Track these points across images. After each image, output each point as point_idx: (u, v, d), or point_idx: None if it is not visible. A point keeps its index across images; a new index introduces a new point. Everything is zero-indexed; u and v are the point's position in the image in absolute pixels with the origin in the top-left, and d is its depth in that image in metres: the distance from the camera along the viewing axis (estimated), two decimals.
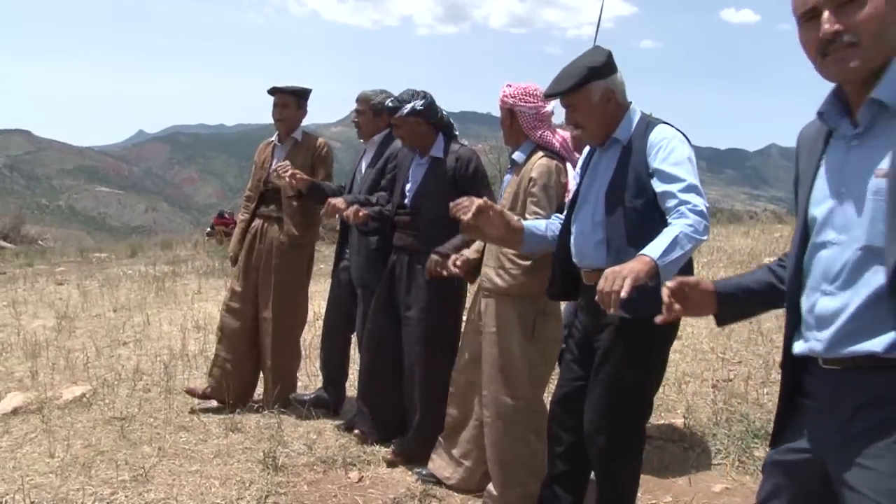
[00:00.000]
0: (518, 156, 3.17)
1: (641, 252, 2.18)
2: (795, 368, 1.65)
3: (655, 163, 2.43)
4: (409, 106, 3.71)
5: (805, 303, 1.60)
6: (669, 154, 2.42)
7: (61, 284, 9.41)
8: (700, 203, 2.31)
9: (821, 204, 1.58)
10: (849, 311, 1.50)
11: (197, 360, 5.58)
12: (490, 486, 3.26)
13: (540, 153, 3.09)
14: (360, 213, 3.83)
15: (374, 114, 4.29)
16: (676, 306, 1.80)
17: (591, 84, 2.54)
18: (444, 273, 3.39)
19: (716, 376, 4.87)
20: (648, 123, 2.56)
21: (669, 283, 1.82)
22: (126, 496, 3.42)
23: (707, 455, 3.83)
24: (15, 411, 4.46)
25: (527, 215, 2.99)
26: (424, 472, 3.59)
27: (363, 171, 4.35)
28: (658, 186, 2.42)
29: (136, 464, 3.73)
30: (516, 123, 3.15)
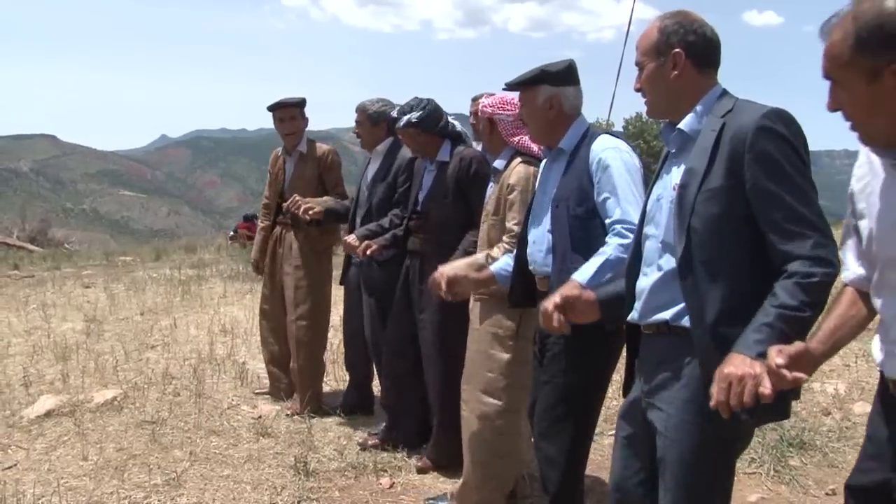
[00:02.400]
0: (499, 163, 3.21)
1: (573, 276, 2.34)
2: (633, 335, 2.10)
3: (595, 176, 2.53)
4: (404, 118, 3.74)
5: (637, 279, 2.06)
6: (606, 168, 2.51)
7: (88, 287, 9.49)
8: (627, 215, 2.41)
9: (650, 204, 2.06)
10: (651, 288, 1.97)
11: (225, 363, 5.60)
12: (463, 482, 3.25)
13: (518, 159, 3.13)
14: (373, 249, 3.89)
15: (371, 123, 4.29)
16: (560, 317, 2.13)
17: (540, 86, 2.65)
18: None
19: None
20: (592, 134, 2.63)
21: (556, 299, 2.15)
22: (159, 500, 3.45)
23: (741, 464, 3.78)
24: (48, 414, 4.50)
25: (507, 223, 3.05)
26: None
27: (368, 180, 4.36)
28: (599, 201, 2.51)
29: (167, 468, 3.76)
30: (496, 131, 3.21)
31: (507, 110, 3.17)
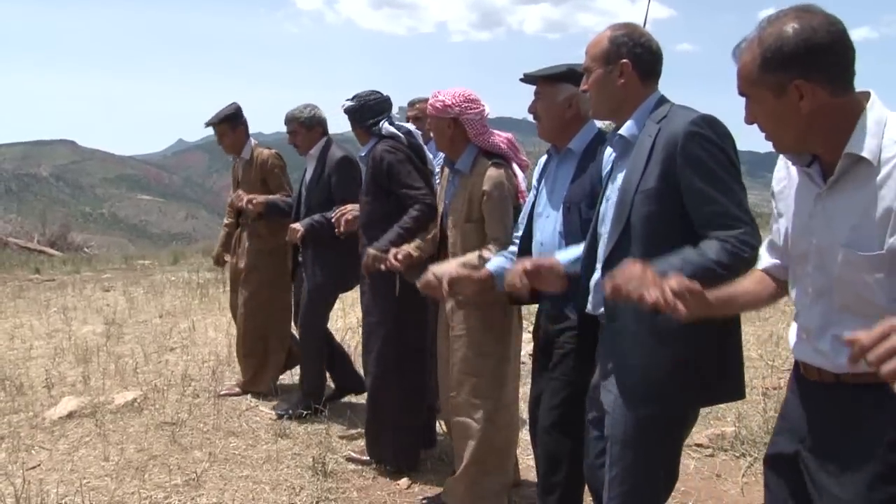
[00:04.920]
0: (462, 164, 3.12)
1: (556, 254, 2.43)
2: (590, 324, 2.30)
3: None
4: (343, 105, 3.91)
5: (593, 275, 2.22)
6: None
7: (108, 291, 9.60)
8: None
9: (603, 205, 2.22)
10: (597, 281, 2.17)
11: None
12: (455, 482, 3.26)
13: (486, 161, 3.05)
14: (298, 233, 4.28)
15: (306, 129, 4.50)
16: (525, 281, 2.28)
17: (562, 84, 2.64)
18: (382, 267, 3.36)
19: (765, 384, 4.79)
20: (605, 138, 2.62)
21: (527, 265, 2.28)
22: (179, 500, 3.49)
23: (759, 464, 3.76)
24: (70, 415, 4.57)
25: (489, 232, 3.00)
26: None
27: (307, 182, 4.54)
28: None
29: (187, 468, 3.80)
30: (459, 131, 3.10)
31: (474, 109, 3.08)
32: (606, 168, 2.46)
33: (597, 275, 2.19)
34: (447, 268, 2.89)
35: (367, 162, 3.74)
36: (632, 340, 2.05)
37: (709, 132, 1.96)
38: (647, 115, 2.12)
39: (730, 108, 2.15)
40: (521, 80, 2.73)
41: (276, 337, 4.99)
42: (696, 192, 1.95)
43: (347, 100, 3.90)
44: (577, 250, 2.41)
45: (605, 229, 2.17)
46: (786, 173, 1.72)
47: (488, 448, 3.14)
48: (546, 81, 2.66)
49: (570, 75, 2.61)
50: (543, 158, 2.84)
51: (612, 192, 2.17)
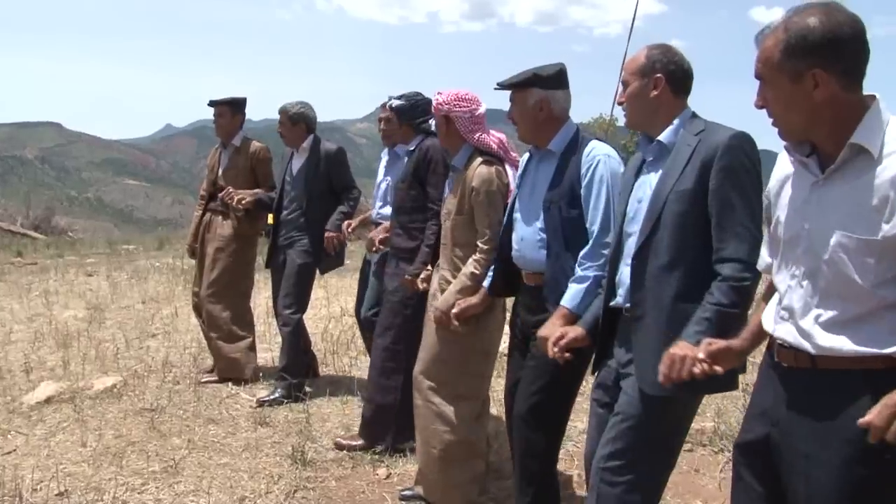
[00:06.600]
0: (458, 161, 3.23)
1: (563, 302, 2.56)
2: (612, 317, 2.38)
3: (583, 180, 2.66)
4: (390, 100, 4.04)
5: (619, 271, 2.34)
6: (591, 176, 2.64)
7: (91, 276, 9.53)
8: (605, 234, 2.58)
9: (630, 205, 2.33)
10: (629, 278, 2.26)
11: None
12: (424, 472, 3.28)
13: (479, 158, 3.14)
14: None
15: (292, 123, 4.70)
16: (561, 353, 2.40)
17: (531, 89, 2.74)
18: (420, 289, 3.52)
19: (745, 380, 4.80)
20: (582, 139, 2.75)
21: (560, 340, 2.41)
22: (157, 487, 3.47)
23: None
24: (48, 400, 4.53)
25: (479, 227, 3.07)
26: None
27: (294, 173, 4.75)
28: (584, 205, 2.65)
29: (166, 455, 3.78)
30: (452, 128, 3.21)
31: (464, 107, 3.18)
32: (586, 166, 2.64)
33: (626, 269, 2.29)
34: (448, 301, 3.05)
35: (413, 154, 3.85)
36: (652, 329, 2.19)
37: (748, 147, 2.14)
38: (682, 126, 2.28)
39: (723, 104, 2.10)
40: (496, 88, 2.85)
41: (244, 320, 5.05)
42: (721, 197, 2.11)
43: (395, 98, 4.02)
44: (577, 291, 2.55)
45: (635, 227, 2.28)
46: (782, 170, 1.82)
47: (449, 439, 3.17)
48: (516, 88, 2.78)
49: (536, 80, 2.73)
50: (526, 156, 2.92)
51: (643, 194, 2.29)
